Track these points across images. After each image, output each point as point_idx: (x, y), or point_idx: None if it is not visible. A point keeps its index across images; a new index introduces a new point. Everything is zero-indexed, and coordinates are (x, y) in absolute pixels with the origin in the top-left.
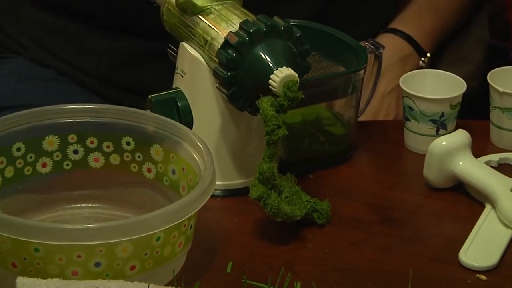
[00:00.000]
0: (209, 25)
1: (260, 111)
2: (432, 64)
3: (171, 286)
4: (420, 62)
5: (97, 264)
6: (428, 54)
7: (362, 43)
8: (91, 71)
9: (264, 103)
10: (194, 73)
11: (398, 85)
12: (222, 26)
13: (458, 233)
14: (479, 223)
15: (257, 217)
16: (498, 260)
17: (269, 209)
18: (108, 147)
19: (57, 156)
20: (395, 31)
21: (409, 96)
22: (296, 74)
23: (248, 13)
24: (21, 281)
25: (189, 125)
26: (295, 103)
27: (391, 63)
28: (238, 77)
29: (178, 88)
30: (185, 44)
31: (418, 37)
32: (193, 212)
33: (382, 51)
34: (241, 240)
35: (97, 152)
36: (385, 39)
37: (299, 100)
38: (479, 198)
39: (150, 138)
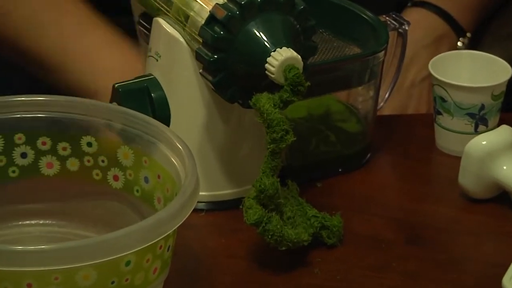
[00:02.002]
0: None
1: (262, 113)
2: (472, 43)
3: None
4: (459, 43)
5: None
6: (468, 34)
7: (382, 18)
8: None
9: (265, 103)
10: (172, 56)
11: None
12: None
13: (502, 255)
14: None
15: (251, 236)
16: None
17: (270, 237)
18: (64, 149)
19: (1, 161)
20: (427, 5)
21: (441, 84)
22: (299, 57)
23: None
24: None
25: (166, 121)
26: (300, 96)
27: (423, 45)
28: (227, 61)
29: (152, 75)
30: (160, 20)
31: (456, 12)
32: (171, 230)
33: (406, 27)
34: (231, 265)
35: (50, 156)
36: (414, 14)
37: (305, 91)
38: None
39: (117, 137)
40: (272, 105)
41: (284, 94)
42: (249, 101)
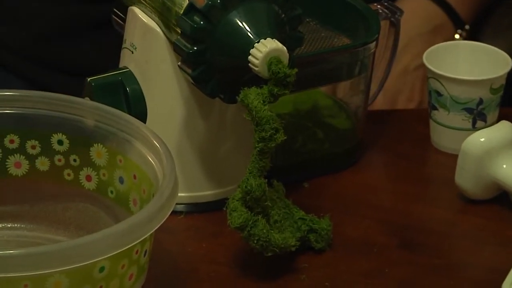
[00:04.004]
0: None
1: (251, 110)
2: (472, 34)
3: None
4: (456, 35)
5: None
6: (467, 26)
7: (373, 6)
8: (8, 43)
9: (254, 99)
10: (148, 47)
11: None
12: None
13: (501, 260)
14: None
15: (234, 241)
16: None
17: (255, 242)
18: (33, 147)
19: None
20: None
21: (436, 77)
22: (285, 48)
23: None
24: None
25: (142, 117)
26: (289, 87)
27: (419, 33)
28: (207, 53)
29: (127, 68)
30: (136, 9)
31: (455, 2)
32: (148, 234)
33: (399, 16)
34: (212, 271)
35: (18, 155)
36: (411, 3)
37: (293, 81)
38: None
39: (90, 135)
40: (262, 102)
41: (273, 88)
42: (236, 97)
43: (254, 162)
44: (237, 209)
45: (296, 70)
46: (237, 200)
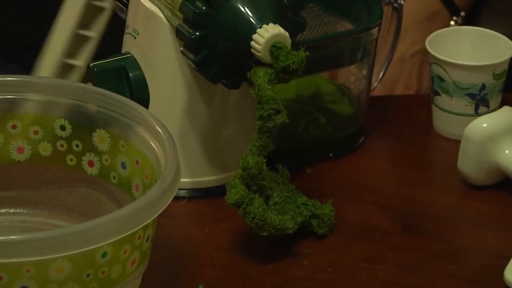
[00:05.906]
0: None
1: (255, 88)
2: (470, 19)
3: None
4: (451, 22)
5: None
6: (463, 13)
7: None
8: (4, 31)
9: (260, 77)
10: (151, 33)
11: (423, 49)
12: None
13: (504, 245)
14: None
15: (236, 226)
16: None
17: (250, 220)
18: (35, 133)
19: None
20: None
21: (439, 62)
22: (287, 34)
23: None
24: None
25: (145, 102)
26: (297, 73)
27: (415, 21)
28: (210, 38)
29: (130, 54)
30: None
31: None
32: (151, 219)
33: (402, 2)
34: (214, 256)
35: (21, 140)
36: None
37: (298, 67)
38: None
39: (92, 120)
40: (266, 81)
41: (279, 72)
42: (238, 82)
43: (254, 140)
44: (236, 186)
45: (306, 53)
46: (238, 178)
